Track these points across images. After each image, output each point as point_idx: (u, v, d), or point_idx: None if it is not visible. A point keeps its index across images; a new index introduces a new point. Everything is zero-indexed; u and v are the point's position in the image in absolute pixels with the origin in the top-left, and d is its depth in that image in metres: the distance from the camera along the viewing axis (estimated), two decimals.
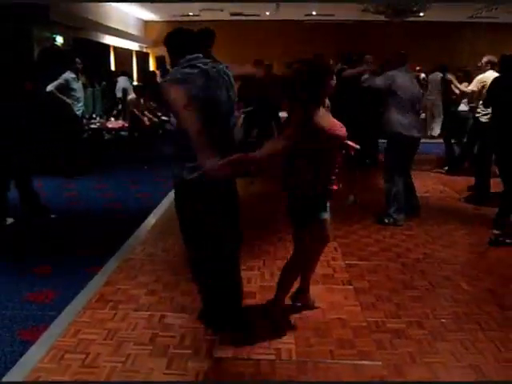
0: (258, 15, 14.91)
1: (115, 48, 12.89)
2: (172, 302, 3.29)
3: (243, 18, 15.23)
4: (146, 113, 8.29)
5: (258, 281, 3.65)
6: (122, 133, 8.78)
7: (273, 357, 2.68)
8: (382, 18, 12.90)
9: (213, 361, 2.64)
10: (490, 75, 5.72)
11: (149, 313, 3.13)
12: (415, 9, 11.90)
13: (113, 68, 12.70)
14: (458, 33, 15.33)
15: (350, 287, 3.53)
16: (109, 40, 12.34)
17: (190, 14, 14.66)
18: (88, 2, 11.24)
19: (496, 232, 4.33)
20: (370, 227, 4.83)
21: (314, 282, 3.58)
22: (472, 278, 3.71)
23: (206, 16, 14.93)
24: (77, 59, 6.93)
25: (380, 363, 2.63)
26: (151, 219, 5.12)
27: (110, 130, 8.87)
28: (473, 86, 6.24)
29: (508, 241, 4.28)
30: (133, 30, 14.61)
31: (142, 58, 15.57)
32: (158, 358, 2.66)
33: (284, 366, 2.61)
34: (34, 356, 2.67)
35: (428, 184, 6.73)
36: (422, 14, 12.54)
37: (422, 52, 14.03)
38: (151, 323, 3.01)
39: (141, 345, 2.77)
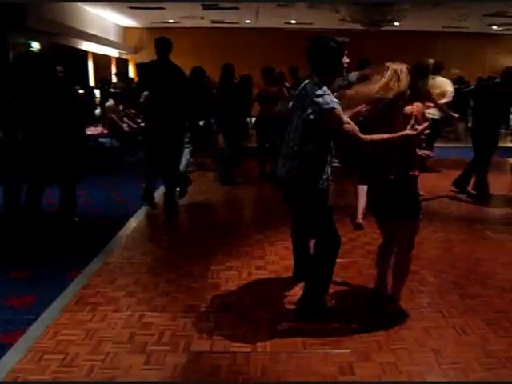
0: (238, 23, 15.03)
1: (94, 54, 12.88)
2: (151, 302, 3.38)
3: (224, 25, 15.33)
4: (125, 119, 8.36)
5: (236, 280, 3.76)
6: (102, 139, 8.81)
7: (248, 349, 2.80)
8: (359, 26, 13.18)
9: (190, 355, 2.75)
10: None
11: (128, 313, 3.21)
12: (390, 18, 12.18)
13: (91, 74, 12.70)
14: (431, 42, 15.71)
15: None
16: (87, 46, 12.33)
17: (171, 21, 14.69)
18: (80, 2, 11.21)
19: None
20: (345, 227, 4.97)
21: (289, 279, 3.74)
22: (437, 272, 3.89)
23: (187, 23, 15.00)
24: (58, 67, 6.96)
25: (349, 351, 2.78)
26: (131, 224, 5.21)
27: (89, 137, 8.88)
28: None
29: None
30: (112, 37, 14.59)
31: (122, 64, 15.56)
32: (136, 354, 2.74)
33: (258, 357, 2.73)
34: (12, 358, 2.69)
35: None
36: (397, 24, 12.84)
37: (398, 60, 14.29)
38: (130, 323, 3.10)
39: (119, 343, 2.85)
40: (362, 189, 4.90)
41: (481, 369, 2.60)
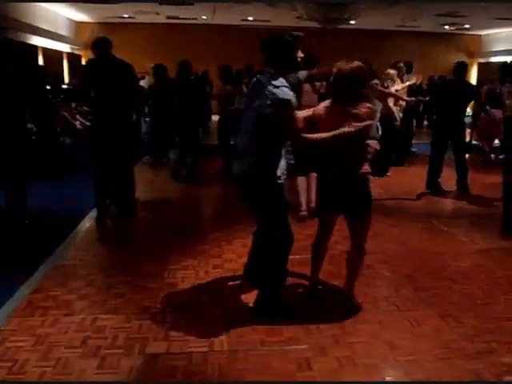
0: (195, 19, 14.88)
1: (44, 49, 12.45)
2: (104, 304, 3.29)
3: (180, 21, 15.15)
4: (77, 117, 8.12)
5: (193, 279, 3.71)
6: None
7: (205, 349, 2.77)
8: (315, 25, 13.30)
9: (146, 357, 2.69)
10: None
11: (80, 317, 3.12)
12: (347, 16, 12.35)
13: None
14: (386, 40, 16.06)
15: None
16: (37, 41, 11.90)
17: (125, 16, 14.39)
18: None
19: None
20: (301, 223, 5.01)
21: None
22: (392, 266, 3.97)
23: (142, 19, 14.73)
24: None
25: (306, 346, 2.78)
26: (84, 224, 5.05)
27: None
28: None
29: None
30: (63, 31, 14.13)
31: (74, 60, 15.11)
32: (89, 359, 2.67)
33: (216, 356, 2.70)
34: None
35: None
36: (353, 22, 13.04)
37: (354, 58, 14.54)
38: (83, 326, 3.00)
39: (72, 348, 2.77)
40: (303, 182, 5.03)
41: (435, 359, 2.66)
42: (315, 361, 2.65)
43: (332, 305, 3.31)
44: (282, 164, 3.03)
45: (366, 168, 3.08)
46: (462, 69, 6.23)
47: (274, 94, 2.84)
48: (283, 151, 3.06)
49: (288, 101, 2.84)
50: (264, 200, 3.06)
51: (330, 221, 3.29)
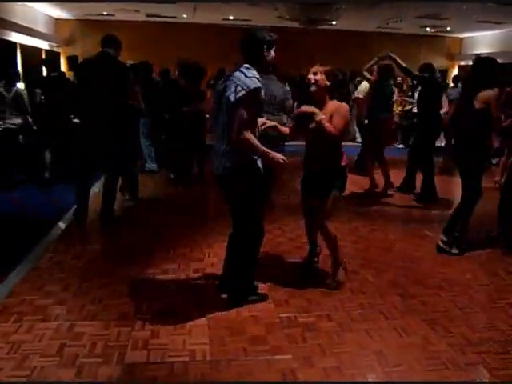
0: (175, 17, 14.74)
1: (22, 46, 12.16)
2: (82, 310, 3.17)
3: (160, 19, 14.99)
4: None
5: (173, 284, 3.61)
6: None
7: (187, 358, 2.67)
8: (297, 25, 13.28)
9: (125, 367, 2.59)
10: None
11: (57, 323, 3.00)
12: (328, 17, 12.36)
13: (19, 68, 11.97)
14: (367, 42, 16.14)
15: (264, 285, 3.58)
16: (14, 37, 11.61)
17: (104, 13, 14.16)
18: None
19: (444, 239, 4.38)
20: (284, 227, 4.95)
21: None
22: (377, 271, 3.92)
23: (121, 16, 14.53)
24: None
25: (291, 356, 2.70)
26: (61, 225, 4.90)
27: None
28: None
29: (454, 251, 4.31)
30: (42, 28, 13.83)
31: (53, 57, 14.80)
32: (66, 368, 2.56)
33: (198, 366, 2.61)
34: None
35: None
36: (334, 23, 13.05)
37: (335, 58, 14.61)
38: (59, 333, 2.89)
39: (48, 356, 2.66)
40: None
41: (423, 370, 2.61)
42: (301, 372, 2.57)
43: (316, 312, 3.24)
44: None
45: (345, 160, 3.50)
46: (426, 70, 6.31)
47: (244, 83, 2.87)
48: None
49: (255, 89, 2.86)
50: (245, 195, 3.07)
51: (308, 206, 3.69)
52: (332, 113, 3.27)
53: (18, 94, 6.78)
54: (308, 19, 12.27)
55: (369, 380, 2.55)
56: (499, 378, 2.57)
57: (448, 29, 14.64)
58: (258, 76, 2.93)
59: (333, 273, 3.64)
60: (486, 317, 3.22)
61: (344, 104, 3.34)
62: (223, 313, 3.18)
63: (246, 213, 3.16)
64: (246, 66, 2.97)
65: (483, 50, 15.55)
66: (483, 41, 15.75)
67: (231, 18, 14.58)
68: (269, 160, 2.98)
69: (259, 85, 2.89)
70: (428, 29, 14.69)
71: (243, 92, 2.85)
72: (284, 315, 3.16)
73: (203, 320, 3.08)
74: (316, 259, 3.98)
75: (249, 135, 2.89)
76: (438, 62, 16.35)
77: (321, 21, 12.50)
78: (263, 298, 3.38)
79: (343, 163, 3.47)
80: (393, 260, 4.19)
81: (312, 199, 3.56)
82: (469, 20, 12.50)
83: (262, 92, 2.94)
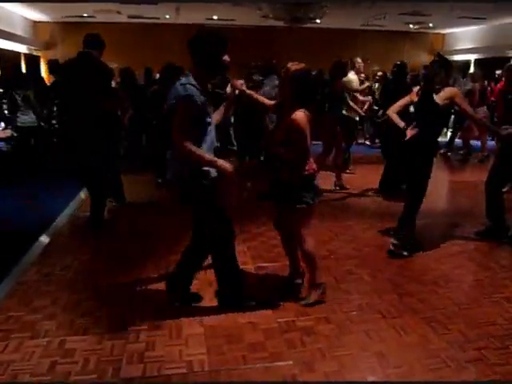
0: (158, 18, 14.58)
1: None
2: (72, 324, 3.08)
3: (142, 20, 14.82)
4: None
5: (165, 293, 3.49)
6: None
7: (184, 370, 2.61)
8: (281, 23, 13.24)
9: (120, 382, 2.51)
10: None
11: (46, 339, 2.90)
12: (312, 15, 12.35)
13: None
14: (351, 39, 16.18)
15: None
16: None
17: (85, 15, 13.94)
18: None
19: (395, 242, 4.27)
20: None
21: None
22: (372, 270, 3.89)
23: (102, 18, 14.33)
24: None
25: (291, 362, 2.65)
26: (47, 236, 4.76)
27: None
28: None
29: (405, 253, 4.19)
30: (20, 31, 13.57)
31: (32, 61, 14.53)
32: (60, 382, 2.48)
33: (197, 378, 2.55)
34: None
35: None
36: (318, 21, 13.04)
37: (320, 57, 14.62)
38: (49, 350, 2.79)
39: (39, 375, 2.57)
40: None
41: (424, 370, 2.58)
42: (302, 377, 2.53)
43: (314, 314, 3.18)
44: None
45: (312, 166, 3.14)
46: (400, 69, 6.41)
47: (176, 90, 2.83)
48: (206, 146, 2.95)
49: (185, 96, 2.78)
50: (204, 201, 3.03)
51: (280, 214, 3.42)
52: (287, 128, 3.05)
53: (26, 96, 6.91)
54: (292, 18, 12.26)
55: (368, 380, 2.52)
56: (500, 373, 2.54)
57: (430, 25, 14.73)
58: (194, 83, 2.83)
59: (308, 293, 3.36)
60: (483, 312, 3.21)
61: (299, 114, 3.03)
62: (219, 320, 3.11)
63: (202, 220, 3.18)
64: (190, 73, 2.89)
65: (465, 45, 15.74)
66: (465, 36, 15.93)
67: (215, 17, 14.48)
68: (217, 169, 2.90)
69: (190, 92, 2.78)
70: (411, 25, 14.78)
71: (173, 101, 2.82)
72: (282, 320, 3.10)
73: (199, 329, 3.01)
74: (300, 280, 3.56)
75: (189, 146, 2.80)
76: (422, 58, 16.44)
77: (305, 19, 12.49)
78: (259, 302, 3.30)
79: (308, 171, 3.12)
80: (387, 258, 4.15)
81: (280, 210, 3.36)
82: (450, 16, 12.58)
83: (199, 99, 2.81)
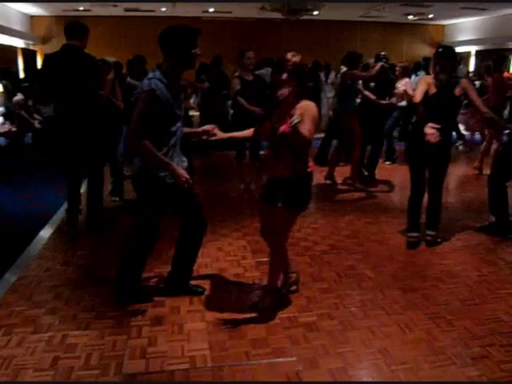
0: (154, 11, 14.51)
1: None
2: (74, 319, 3.06)
3: (138, 13, 14.75)
4: (35, 115, 7.71)
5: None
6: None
7: (187, 365, 2.59)
8: (278, 15, 13.18)
9: (123, 378, 2.49)
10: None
11: (49, 334, 2.88)
12: (309, 7, 12.32)
13: None
14: (350, 31, 16.11)
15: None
16: None
17: (81, 8, 13.88)
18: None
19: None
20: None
21: (224, 283, 3.56)
22: (374, 266, 3.87)
23: (98, 11, 14.26)
24: None
25: (295, 359, 2.63)
26: (47, 230, 4.74)
27: None
28: None
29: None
30: (16, 26, 13.48)
31: (29, 55, 14.45)
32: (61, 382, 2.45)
33: (199, 373, 2.53)
34: None
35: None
36: (315, 13, 13.00)
37: (318, 49, 14.57)
38: (52, 345, 2.77)
39: (41, 370, 2.55)
40: None
41: (430, 367, 2.56)
42: (306, 374, 2.51)
43: (316, 310, 3.16)
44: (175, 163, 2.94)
45: (311, 165, 3.03)
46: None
47: (141, 83, 2.83)
48: (165, 150, 2.92)
49: (148, 91, 2.77)
50: (148, 199, 3.09)
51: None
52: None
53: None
54: (290, 10, 12.21)
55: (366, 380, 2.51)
56: (506, 371, 2.52)
57: (430, 16, 14.67)
58: (159, 77, 2.81)
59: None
60: (488, 308, 3.18)
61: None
62: (221, 315, 3.09)
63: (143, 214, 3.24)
64: (155, 66, 2.91)
65: (465, 36, 15.66)
66: (465, 27, 15.85)
67: (211, 10, 14.42)
68: (172, 175, 2.88)
69: (153, 87, 2.76)
70: (410, 16, 14.71)
71: (137, 94, 2.82)
72: (284, 315, 3.09)
73: (201, 324, 2.99)
74: (295, 286, 3.42)
75: (143, 143, 2.78)
76: (421, 50, 16.40)
77: (302, 11, 12.45)
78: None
79: (310, 169, 3.02)
80: (390, 253, 4.14)
81: (267, 207, 3.14)
82: (451, 7, 12.53)
83: (162, 93, 2.78)
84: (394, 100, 6.59)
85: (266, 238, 3.24)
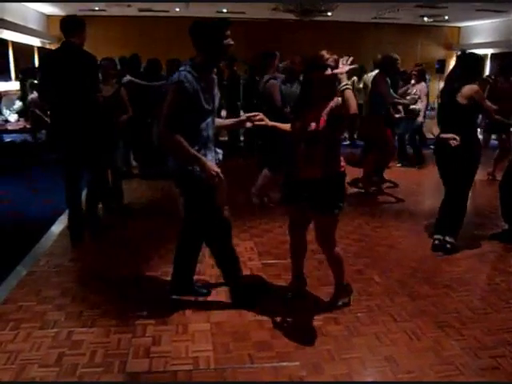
0: (168, 11, 14.58)
1: (14, 43, 11.99)
2: (80, 316, 3.07)
3: (152, 13, 14.83)
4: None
5: None
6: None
7: (190, 366, 2.58)
8: (291, 16, 13.14)
9: (126, 377, 2.49)
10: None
11: (55, 330, 2.90)
12: (323, 8, 12.26)
13: (12, 65, 11.82)
14: (362, 32, 15.99)
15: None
16: (5, 35, 11.45)
17: (96, 8, 14.00)
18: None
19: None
20: (284, 225, 4.81)
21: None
22: (383, 271, 3.82)
23: (113, 11, 14.36)
24: None
25: (298, 363, 2.61)
26: (57, 227, 4.77)
27: (9, 132, 8.23)
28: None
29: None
30: (33, 25, 13.64)
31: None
32: (65, 378, 2.47)
33: (202, 375, 2.52)
34: None
35: None
36: (329, 14, 12.93)
37: (331, 50, 14.46)
38: (58, 341, 2.79)
39: (46, 366, 2.56)
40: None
41: (436, 377, 2.51)
42: (310, 379, 2.48)
43: (322, 315, 3.12)
44: (208, 159, 2.89)
45: (342, 167, 2.97)
46: (385, 63, 6.08)
47: (171, 78, 2.80)
48: (198, 146, 2.87)
49: (176, 82, 2.73)
50: (192, 200, 3.04)
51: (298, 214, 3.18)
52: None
53: None
54: (303, 10, 12.15)
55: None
56: None
57: (446, 18, 14.49)
58: (189, 69, 2.77)
59: (337, 295, 3.25)
60: (499, 318, 3.11)
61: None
62: (226, 317, 3.08)
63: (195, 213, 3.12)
64: (187, 60, 2.88)
65: (481, 39, 15.42)
66: (481, 30, 15.59)
67: (225, 10, 14.44)
68: (202, 170, 2.80)
69: (182, 78, 2.72)
70: (426, 18, 14.54)
71: (166, 87, 2.80)
72: (289, 319, 3.06)
73: (206, 325, 2.98)
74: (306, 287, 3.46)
75: (175, 137, 2.72)
76: (436, 52, 16.21)
77: (316, 12, 12.39)
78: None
79: (342, 169, 2.98)
80: (399, 259, 4.09)
81: (313, 214, 3.05)
82: (467, 9, 12.37)
83: (191, 86, 2.73)
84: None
85: (321, 244, 3.16)
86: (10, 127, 8.19)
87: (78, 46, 4.21)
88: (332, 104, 2.78)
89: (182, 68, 2.82)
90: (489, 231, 4.69)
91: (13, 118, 8.77)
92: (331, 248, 3.12)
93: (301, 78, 4.47)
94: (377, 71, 6.09)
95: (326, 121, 2.77)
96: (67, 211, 4.58)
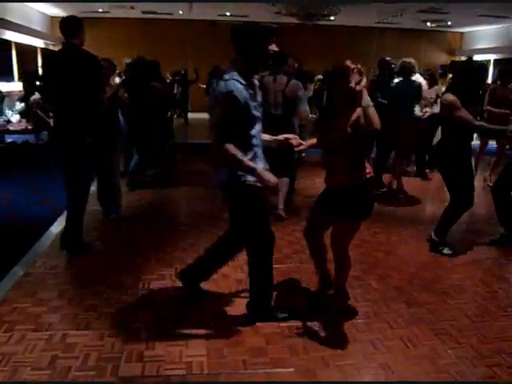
0: (171, 14, 14.63)
1: (17, 44, 12.04)
2: (75, 318, 3.06)
3: (155, 16, 14.87)
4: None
5: (170, 291, 3.48)
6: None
7: (183, 371, 2.56)
8: (294, 20, 13.15)
9: (118, 381, 2.47)
10: None
11: (49, 332, 2.89)
12: (326, 12, 12.28)
13: (15, 66, 11.87)
14: (365, 37, 16.00)
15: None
16: (9, 36, 11.49)
17: (100, 10, 14.06)
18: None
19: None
20: (283, 229, 4.81)
21: (227, 288, 3.53)
22: (380, 277, 3.79)
23: (117, 13, 14.43)
24: None
25: (292, 369, 2.58)
26: (54, 228, 4.75)
27: (11, 133, 8.24)
28: None
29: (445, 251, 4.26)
30: (36, 26, 13.69)
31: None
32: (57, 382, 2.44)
33: (195, 379, 2.50)
34: None
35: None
36: (332, 18, 12.95)
37: (332, 54, 14.49)
38: (51, 344, 2.77)
39: (39, 369, 2.54)
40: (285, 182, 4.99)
41: None
42: None
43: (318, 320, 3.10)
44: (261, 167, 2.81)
45: (368, 174, 2.93)
46: (402, 69, 6.03)
47: (218, 86, 2.70)
48: (250, 155, 2.80)
49: (226, 93, 2.63)
50: (241, 209, 2.92)
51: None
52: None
53: None
54: (306, 15, 12.18)
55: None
56: None
57: (449, 23, 14.52)
58: (236, 78, 2.67)
59: (336, 299, 3.28)
60: (497, 326, 3.08)
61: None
62: (220, 322, 3.06)
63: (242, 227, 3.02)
64: (234, 67, 2.76)
65: (484, 44, 15.41)
66: (484, 35, 15.60)
67: (227, 14, 14.50)
68: (258, 179, 2.72)
69: (231, 88, 2.61)
70: (428, 23, 14.56)
71: (215, 98, 2.71)
72: (284, 324, 3.03)
73: (200, 330, 2.96)
74: (332, 291, 3.39)
75: (228, 148, 2.65)
76: (439, 58, 16.19)
77: (319, 16, 12.41)
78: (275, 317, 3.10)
79: (368, 175, 2.95)
80: (397, 265, 4.05)
81: (340, 220, 3.02)
82: (470, 14, 12.36)
83: (240, 94, 2.64)
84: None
85: (335, 246, 3.14)
86: (11, 128, 8.20)
87: (80, 47, 4.20)
88: (355, 115, 2.73)
89: (227, 76, 2.70)
90: (488, 238, 4.65)
91: (15, 118, 8.80)
92: (344, 252, 3.12)
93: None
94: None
95: (350, 131, 2.74)
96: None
